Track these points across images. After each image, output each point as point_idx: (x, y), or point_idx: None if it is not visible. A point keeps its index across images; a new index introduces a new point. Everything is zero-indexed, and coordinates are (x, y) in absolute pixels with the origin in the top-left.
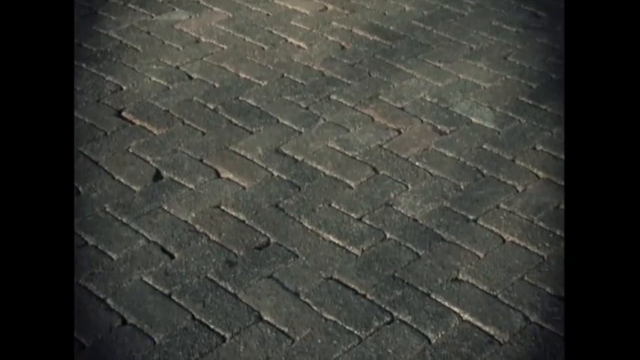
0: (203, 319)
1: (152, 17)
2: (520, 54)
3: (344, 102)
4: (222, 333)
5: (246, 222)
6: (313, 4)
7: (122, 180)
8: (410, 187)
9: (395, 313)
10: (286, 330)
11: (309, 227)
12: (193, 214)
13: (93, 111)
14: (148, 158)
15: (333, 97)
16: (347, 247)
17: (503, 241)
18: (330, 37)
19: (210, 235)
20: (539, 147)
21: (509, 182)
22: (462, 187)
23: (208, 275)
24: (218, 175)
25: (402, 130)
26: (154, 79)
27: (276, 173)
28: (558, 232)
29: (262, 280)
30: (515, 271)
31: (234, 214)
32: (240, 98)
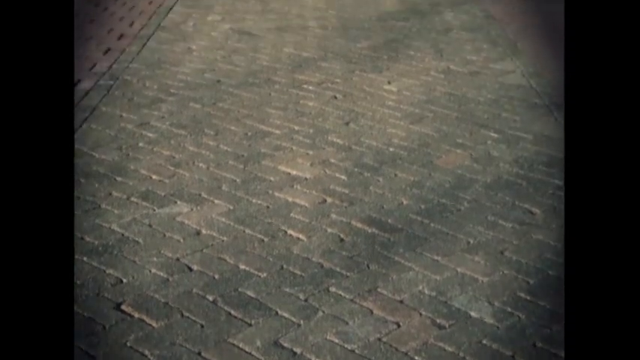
0: None
1: (154, 210)
2: (517, 249)
3: (343, 294)
4: None
5: None
6: (312, 197)
7: None
8: None
9: None
10: None
11: None
12: None
13: (92, 304)
14: (146, 352)
15: (332, 289)
16: None
17: None
18: (329, 230)
19: None
20: (539, 344)
21: None
22: None
23: None
24: None
25: (401, 324)
26: (154, 271)
27: None
28: None
29: None
30: None
31: None
32: (239, 290)
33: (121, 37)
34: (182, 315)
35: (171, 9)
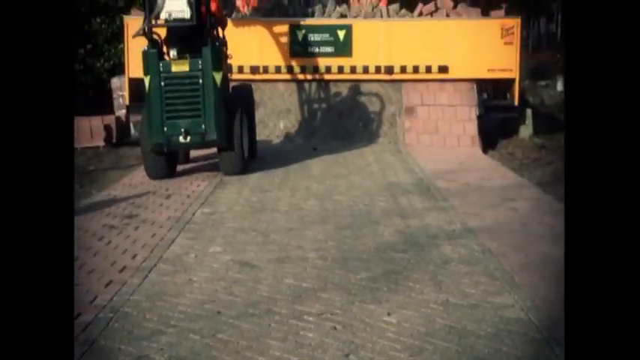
0: None
1: None
2: None
3: None
4: None
5: None
6: None
7: None
8: None
9: None
10: None
11: None
12: None
13: None
14: None
15: None
16: None
17: None
18: None
19: None
20: None
21: None
22: None
23: None
24: None
25: None
26: None
27: None
28: None
29: None
30: None
31: None
32: None
33: (123, 269)
34: None
35: (173, 241)
